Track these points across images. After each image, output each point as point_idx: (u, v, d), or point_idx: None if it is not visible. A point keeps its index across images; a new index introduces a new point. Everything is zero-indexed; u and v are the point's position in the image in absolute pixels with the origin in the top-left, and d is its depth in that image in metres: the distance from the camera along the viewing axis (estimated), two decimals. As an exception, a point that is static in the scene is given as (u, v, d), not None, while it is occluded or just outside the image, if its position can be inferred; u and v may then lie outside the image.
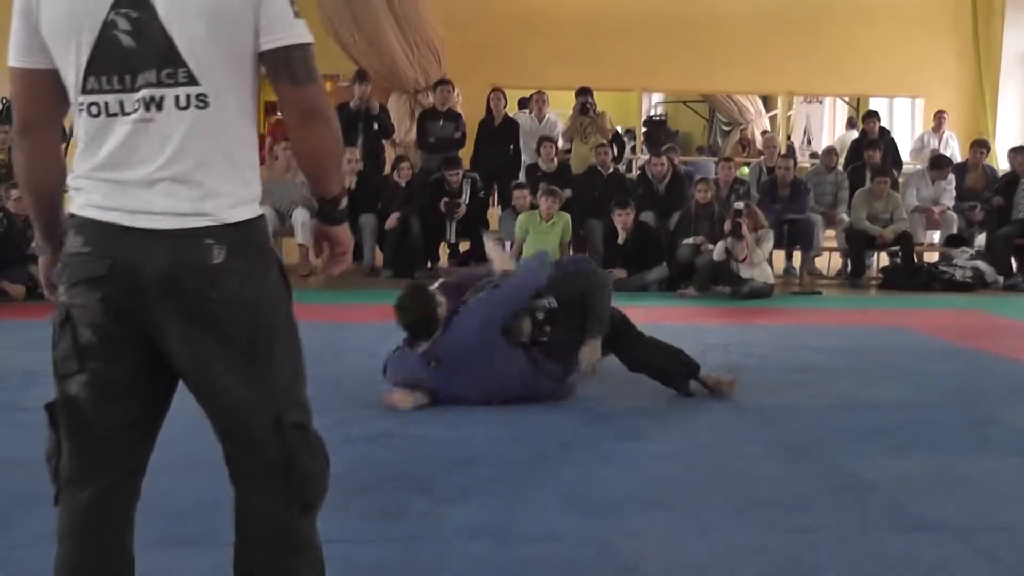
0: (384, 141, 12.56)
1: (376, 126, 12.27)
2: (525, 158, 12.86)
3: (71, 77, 2.29)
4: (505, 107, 12.94)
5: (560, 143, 12.92)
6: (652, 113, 25.34)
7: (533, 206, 11.26)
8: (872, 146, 12.83)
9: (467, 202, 11.73)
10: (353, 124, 11.97)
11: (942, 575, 3.45)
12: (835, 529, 3.83)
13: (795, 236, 11.90)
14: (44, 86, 2.34)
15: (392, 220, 11.40)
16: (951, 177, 12.65)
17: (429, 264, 11.88)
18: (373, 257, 11.77)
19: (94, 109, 2.28)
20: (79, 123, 2.32)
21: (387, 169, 12.27)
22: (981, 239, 12.34)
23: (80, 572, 2.37)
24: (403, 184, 11.59)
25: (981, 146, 13.17)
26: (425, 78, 13.49)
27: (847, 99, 20.63)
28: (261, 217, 2.37)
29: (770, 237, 10.77)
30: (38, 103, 2.36)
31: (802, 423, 5.37)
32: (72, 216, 2.32)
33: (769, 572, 3.45)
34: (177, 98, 2.25)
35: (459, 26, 14.41)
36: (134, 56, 2.25)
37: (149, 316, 2.27)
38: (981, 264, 11.67)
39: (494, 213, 13.04)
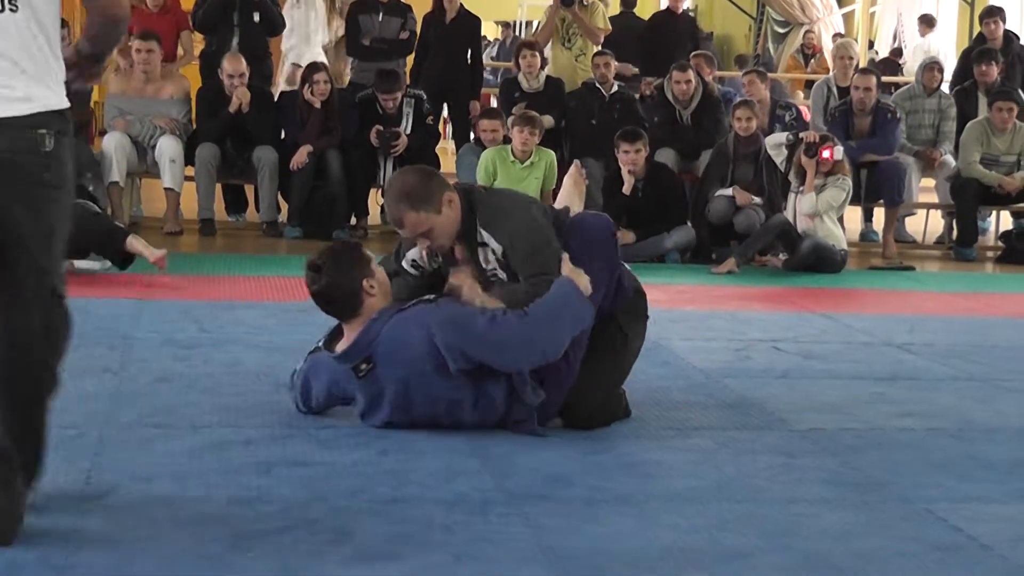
0: (269, 40, 12.57)
1: (258, 17, 12.21)
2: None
3: None
4: (462, -4, 12.92)
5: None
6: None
7: (508, 140, 11.24)
8: (990, 58, 12.84)
9: (409, 132, 11.70)
10: (226, 15, 11.94)
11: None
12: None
13: (877, 186, 11.92)
14: None
15: (301, 156, 11.37)
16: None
17: (354, 219, 11.88)
18: (276, 209, 11.74)
19: None
20: None
21: (278, 78, 12.22)
22: None
23: None
24: (318, 105, 11.55)
25: None
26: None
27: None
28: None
29: (845, 187, 10.70)
30: None
31: (884, 454, 5.37)
32: None
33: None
34: None
35: None
36: None
37: None
38: None
39: (446, 147, 13.02)
